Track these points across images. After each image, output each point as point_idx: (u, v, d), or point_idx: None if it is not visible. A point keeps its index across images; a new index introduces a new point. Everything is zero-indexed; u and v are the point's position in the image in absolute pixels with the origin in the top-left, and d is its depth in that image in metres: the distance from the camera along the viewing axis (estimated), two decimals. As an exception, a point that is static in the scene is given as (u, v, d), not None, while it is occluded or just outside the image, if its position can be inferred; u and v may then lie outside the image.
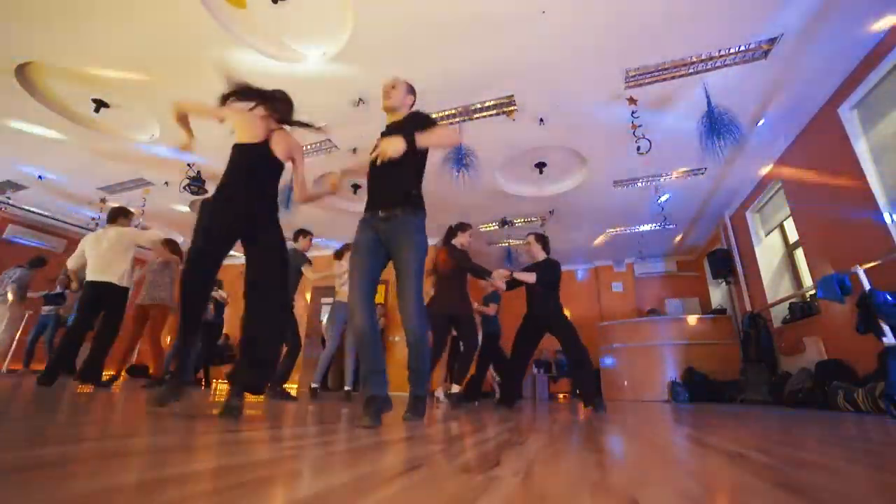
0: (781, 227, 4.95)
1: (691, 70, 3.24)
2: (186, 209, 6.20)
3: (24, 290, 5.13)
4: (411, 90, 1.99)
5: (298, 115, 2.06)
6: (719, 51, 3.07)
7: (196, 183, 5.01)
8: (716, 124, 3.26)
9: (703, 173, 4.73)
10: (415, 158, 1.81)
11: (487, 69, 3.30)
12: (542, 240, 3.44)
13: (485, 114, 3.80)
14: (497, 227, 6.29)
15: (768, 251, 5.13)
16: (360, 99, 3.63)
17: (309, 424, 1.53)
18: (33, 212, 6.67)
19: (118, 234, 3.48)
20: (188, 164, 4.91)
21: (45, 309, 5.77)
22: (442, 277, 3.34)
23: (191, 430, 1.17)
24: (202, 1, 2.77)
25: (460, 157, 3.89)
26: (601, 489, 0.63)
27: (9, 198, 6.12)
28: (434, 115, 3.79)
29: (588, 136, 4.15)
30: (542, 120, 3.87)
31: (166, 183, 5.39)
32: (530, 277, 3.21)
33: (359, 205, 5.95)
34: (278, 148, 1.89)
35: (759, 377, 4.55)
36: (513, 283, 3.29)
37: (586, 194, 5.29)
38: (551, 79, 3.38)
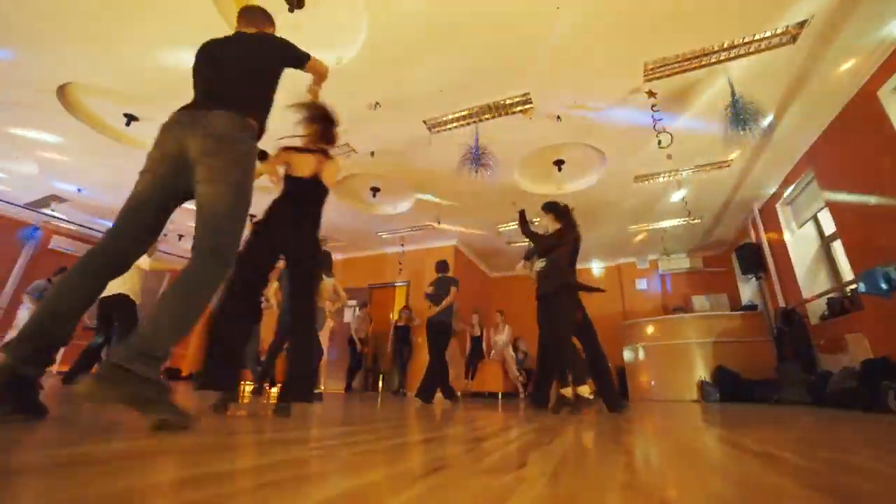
0: (815, 218, 4.73)
1: (713, 59, 3.14)
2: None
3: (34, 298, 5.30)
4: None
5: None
6: (743, 38, 2.96)
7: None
8: (741, 114, 3.14)
9: (728, 165, 4.57)
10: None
11: (502, 68, 3.28)
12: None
13: (500, 113, 3.78)
14: (517, 225, 6.24)
15: (802, 244, 4.91)
16: (377, 102, 3.68)
17: (333, 425, 1.56)
18: (74, 223, 7.03)
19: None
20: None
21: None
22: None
23: (224, 431, 1.21)
24: (224, 16, 2.86)
25: (477, 157, 3.89)
26: (630, 490, 0.62)
27: (53, 210, 6.49)
28: (450, 116, 3.84)
29: (607, 132, 4.08)
30: (559, 117, 3.82)
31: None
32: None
33: (377, 207, 6.02)
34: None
35: (795, 376, 4.35)
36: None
37: (606, 191, 5.20)
38: (567, 75, 3.33)
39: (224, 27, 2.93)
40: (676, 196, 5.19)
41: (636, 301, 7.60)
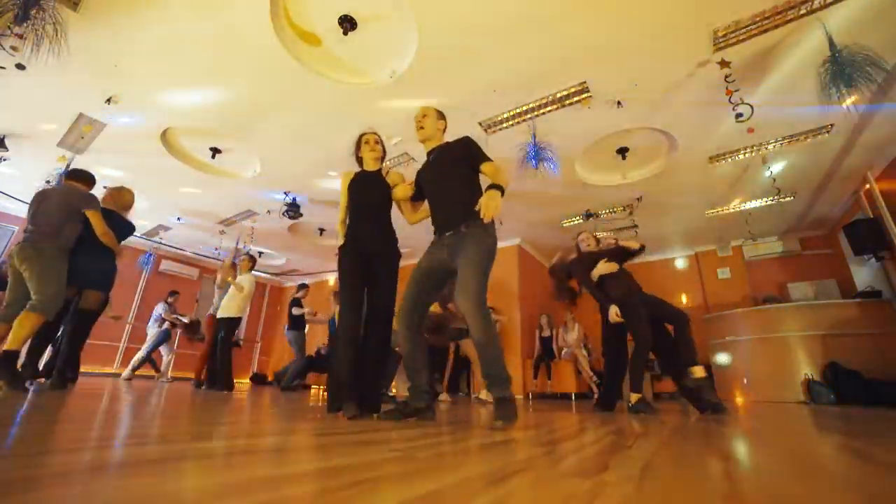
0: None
1: (803, 10, 2.73)
2: (286, 232, 6.98)
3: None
4: (441, 116, 2.12)
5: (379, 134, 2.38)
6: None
7: (293, 209, 5.61)
8: (844, 68, 2.68)
9: (828, 131, 3.98)
10: (472, 177, 1.94)
11: (555, 60, 3.18)
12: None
13: (557, 106, 3.66)
14: (582, 220, 6.00)
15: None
16: (431, 110, 3.75)
17: (409, 427, 1.61)
18: (175, 248, 8.07)
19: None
20: (284, 193, 5.53)
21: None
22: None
23: (307, 432, 1.31)
24: (286, 48, 3.11)
25: (535, 152, 3.80)
26: (734, 501, 0.57)
27: (161, 238, 7.52)
28: (505, 115, 3.80)
29: (674, 112, 3.76)
30: (619, 103, 3.60)
31: (268, 211, 6.13)
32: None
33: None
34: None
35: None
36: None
37: (678, 175, 4.79)
38: (625, 57, 3.13)
39: (288, 59, 3.19)
40: (762, 173, 4.63)
41: (719, 292, 6.89)
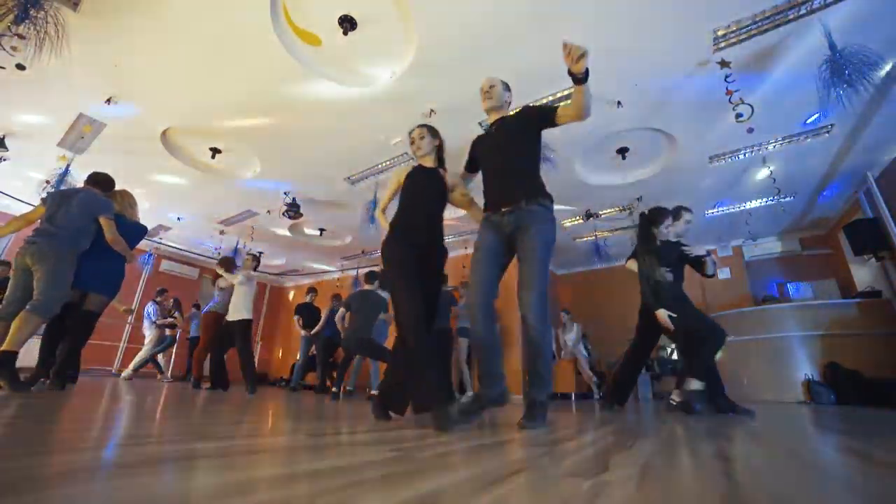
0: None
1: (803, 10, 2.73)
2: (286, 232, 6.98)
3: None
4: (508, 88, 2.04)
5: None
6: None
7: (293, 209, 5.61)
8: (844, 69, 2.68)
9: (828, 132, 3.98)
10: (535, 150, 1.86)
11: (555, 60, 3.16)
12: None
13: (557, 105, 3.65)
14: (582, 220, 6.01)
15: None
16: (431, 110, 3.75)
17: (409, 427, 1.61)
18: (175, 247, 8.06)
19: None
20: (284, 193, 5.52)
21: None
22: None
23: (307, 432, 1.31)
24: (286, 48, 3.11)
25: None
26: (734, 501, 0.57)
27: (161, 238, 7.51)
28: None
29: (674, 112, 3.76)
30: (619, 103, 3.60)
31: (268, 211, 6.13)
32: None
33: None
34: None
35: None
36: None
37: (678, 175, 4.79)
38: (625, 57, 3.13)
39: (288, 59, 3.19)
40: (762, 173, 4.64)
41: (719, 292, 6.88)
